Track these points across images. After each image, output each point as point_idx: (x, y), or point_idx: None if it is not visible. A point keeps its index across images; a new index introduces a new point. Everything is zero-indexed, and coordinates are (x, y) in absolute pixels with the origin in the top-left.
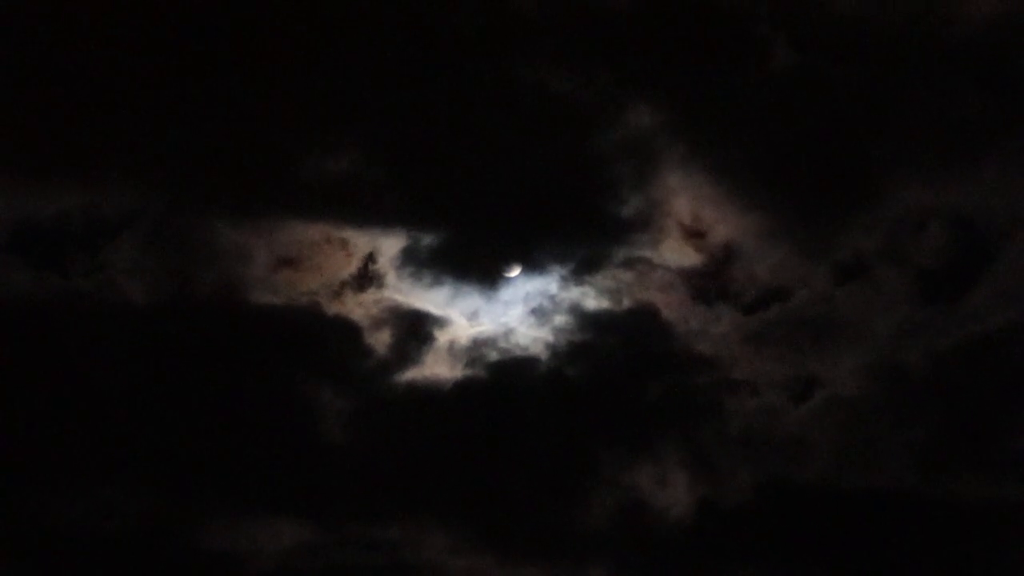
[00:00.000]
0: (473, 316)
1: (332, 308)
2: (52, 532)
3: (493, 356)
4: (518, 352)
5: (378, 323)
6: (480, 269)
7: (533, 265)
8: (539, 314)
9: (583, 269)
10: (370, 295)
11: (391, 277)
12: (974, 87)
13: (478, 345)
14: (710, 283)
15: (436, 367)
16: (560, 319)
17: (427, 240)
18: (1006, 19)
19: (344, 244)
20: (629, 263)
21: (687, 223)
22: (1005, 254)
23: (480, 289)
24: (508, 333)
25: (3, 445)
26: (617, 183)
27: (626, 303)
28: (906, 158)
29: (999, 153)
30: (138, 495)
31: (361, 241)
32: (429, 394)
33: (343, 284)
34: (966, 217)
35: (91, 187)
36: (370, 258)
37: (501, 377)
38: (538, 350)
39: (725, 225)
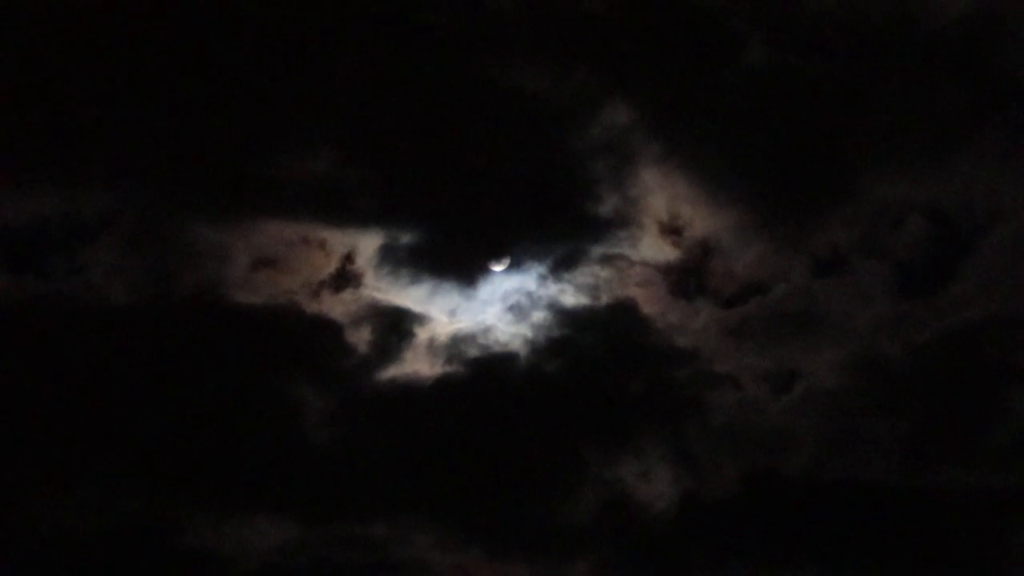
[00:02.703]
0: (452, 313)
1: (312, 307)
2: (35, 533)
3: (473, 353)
4: (497, 348)
5: (358, 321)
6: (459, 266)
7: (512, 262)
8: (518, 311)
9: (561, 266)
10: (349, 294)
11: (370, 276)
12: (949, 81)
13: (458, 342)
14: (689, 278)
15: (416, 364)
16: (539, 315)
17: (405, 238)
18: (980, 13)
19: (323, 243)
20: (607, 259)
21: (665, 219)
22: (983, 247)
23: (459, 286)
24: (487, 330)
25: None
26: (594, 180)
27: (605, 299)
28: (883, 152)
29: (975, 146)
30: (121, 495)
31: (339, 240)
32: (410, 391)
33: (322, 283)
34: (943, 210)
35: (69, 189)
36: (348, 257)
37: (481, 373)
38: (517, 346)
39: (703, 221)
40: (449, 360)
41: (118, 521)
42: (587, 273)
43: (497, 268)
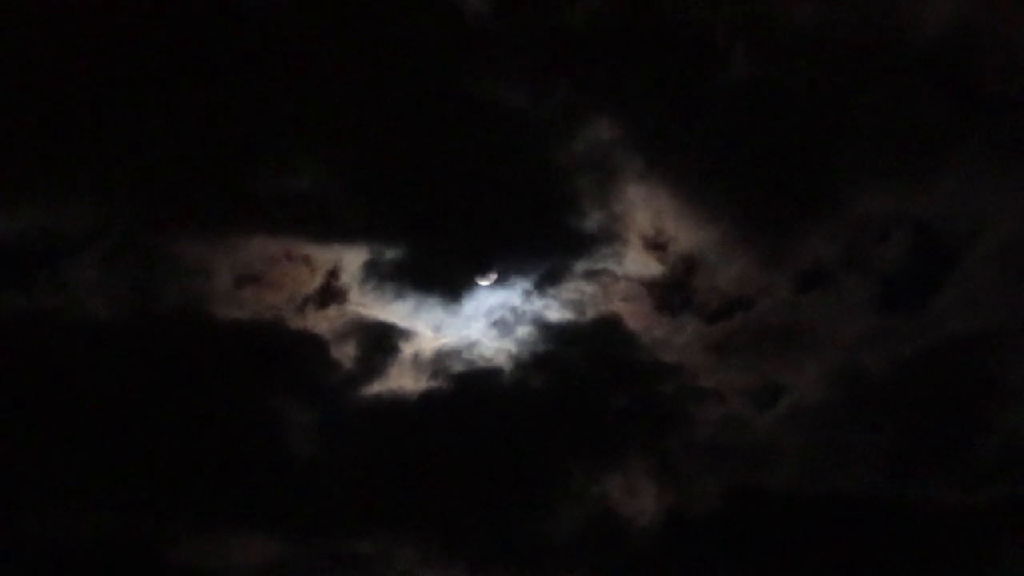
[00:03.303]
0: (437, 328)
1: (297, 323)
2: (19, 548)
3: (458, 368)
4: (482, 364)
5: (343, 337)
6: (444, 282)
7: (497, 277)
8: (503, 326)
9: (546, 281)
10: (334, 309)
11: (355, 291)
12: (933, 95)
13: (442, 357)
14: (673, 293)
15: (401, 379)
16: (524, 331)
17: (390, 254)
18: (963, 26)
19: (307, 259)
20: (592, 275)
21: (649, 234)
22: (967, 261)
23: (444, 302)
24: (472, 345)
25: None
26: (578, 196)
27: (590, 314)
28: (867, 166)
29: (959, 160)
30: (106, 511)
31: (324, 256)
32: (395, 406)
33: (307, 299)
34: (927, 224)
35: (53, 204)
36: (333, 273)
37: (466, 389)
38: (502, 361)
39: (687, 236)
40: (434, 375)
41: (102, 537)
42: (572, 288)
43: (484, 282)
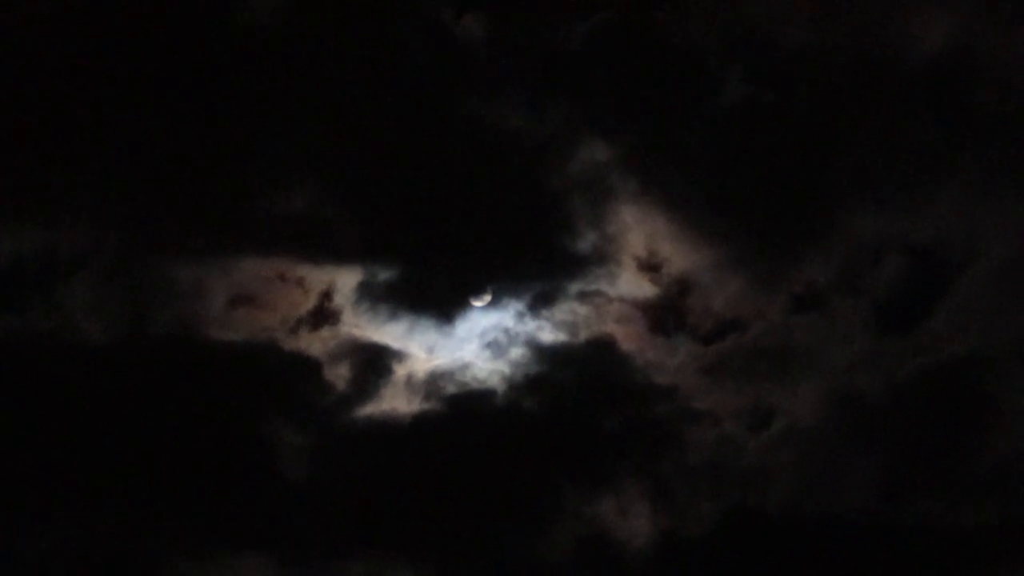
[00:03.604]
0: (430, 350)
1: (290, 344)
2: (14, 570)
3: (451, 389)
4: (475, 385)
5: (336, 358)
6: (437, 303)
7: (491, 299)
8: (496, 347)
9: (540, 303)
10: (327, 331)
11: (348, 313)
12: (926, 119)
13: (436, 378)
14: (667, 315)
15: (395, 401)
16: (517, 352)
17: (383, 276)
18: (956, 50)
19: (300, 281)
20: (585, 296)
21: (643, 256)
22: (960, 284)
23: (437, 323)
24: (465, 366)
25: None
26: (572, 217)
27: (583, 336)
28: (860, 190)
29: (953, 184)
30: (98, 533)
31: (317, 277)
32: (388, 428)
33: (300, 320)
34: (921, 247)
35: (47, 227)
36: (326, 294)
37: (459, 410)
38: (495, 383)
39: (681, 258)
40: (427, 397)
41: (97, 558)
42: (565, 310)
43: (479, 303)
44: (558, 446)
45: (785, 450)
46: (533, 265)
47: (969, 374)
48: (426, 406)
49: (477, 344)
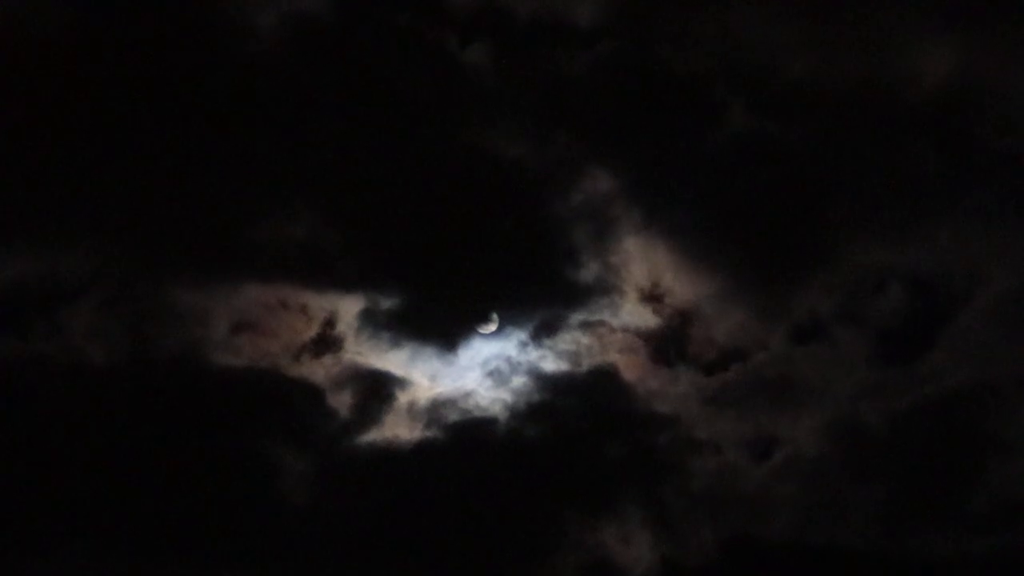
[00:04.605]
0: (433, 378)
1: (293, 371)
2: None
3: (453, 417)
4: (478, 413)
5: (339, 385)
6: (440, 331)
7: (497, 326)
8: (498, 376)
9: (542, 332)
10: (330, 358)
11: (351, 340)
12: (929, 149)
13: (438, 406)
14: (669, 345)
15: (397, 428)
16: (519, 381)
17: (386, 303)
18: (959, 82)
19: (303, 308)
20: (588, 326)
21: (646, 286)
22: (962, 315)
23: (440, 351)
24: (468, 394)
25: None
26: (575, 247)
27: (586, 365)
28: (862, 220)
29: (955, 214)
30: (101, 556)
31: (320, 304)
32: (390, 455)
33: (303, 347)
34: (923, 278)
35: (49, 251)
36: (329, 322)
37: (461, 438)
38: (497, 411)
39: (683, 288)
40: (429, 424)
41: None
42: (568, 339)
43: (485, 331)
44: (560, 474)
45: (787, 480)
46: (536, 294)
47: (971, 405)
48: (428, 434)
49: (480, 372)
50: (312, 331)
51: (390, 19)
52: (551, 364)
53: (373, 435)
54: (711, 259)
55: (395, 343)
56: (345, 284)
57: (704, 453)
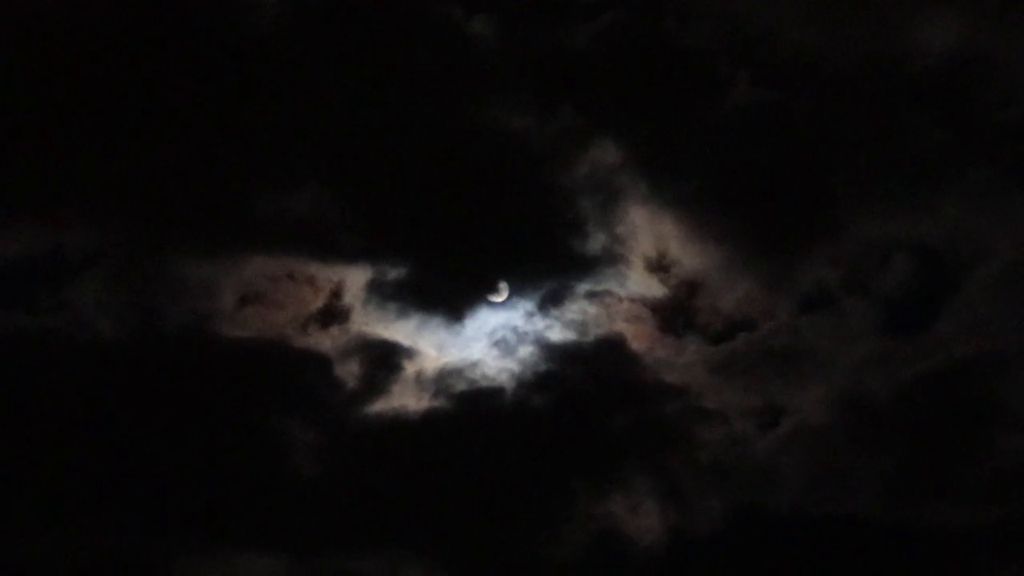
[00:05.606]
0: (440, 348)
1: (300, 342)
2: (23, 569)
3: (460, 387)
4: (485, 383)
5: (346, 355)
6: (447, 301)
7: (507, 294)
8: (505, 346)
9: (549, 302)
10: (337, 328)
11: (358, 310)
12: (935, 120)
13: (445, 376)
14: (676, 315)
15: (404, 398)
16: (526, 351)
17: (393, 274)
18: (964, 53)
19: (311, 279)
20: (595, 296)
21: (652, 256)
22: (968, 285)
23: (447, 321)
24: (475, 364)
25: None
26: (582, 218)
27: (593, 335)
28: (869, 191)
29: (961, 185)
30: (109, 531)
31: (327, 275)
32: (398, 425)
33: (310, 318)
34: (929, 248)
35: (55, 225)
36: (336, 292)
37: (468, 408)
38: (504, 381)
39: (690, 258)
40: (436, 394)
41: (106, 556)
42: (575, 309)
43: (496, 299)
44: (567, 444)
45: (794, 449)
46: (543, 265)
47: (977, 375)
48: (436, 404)
49: (487, 342)
50: (319, 302)
51: None
52: (558, 334)
53: (380, 405)
54: (718, 229)
55: (402, 313)
56: (352, 255)
57: (711, 423)
